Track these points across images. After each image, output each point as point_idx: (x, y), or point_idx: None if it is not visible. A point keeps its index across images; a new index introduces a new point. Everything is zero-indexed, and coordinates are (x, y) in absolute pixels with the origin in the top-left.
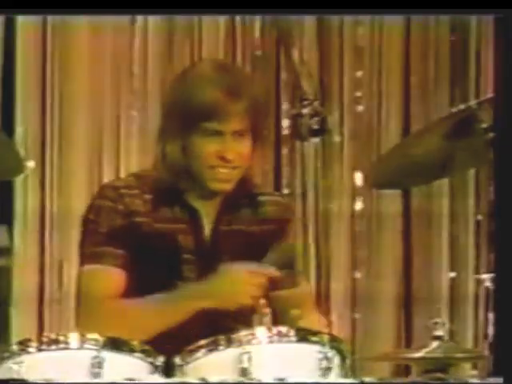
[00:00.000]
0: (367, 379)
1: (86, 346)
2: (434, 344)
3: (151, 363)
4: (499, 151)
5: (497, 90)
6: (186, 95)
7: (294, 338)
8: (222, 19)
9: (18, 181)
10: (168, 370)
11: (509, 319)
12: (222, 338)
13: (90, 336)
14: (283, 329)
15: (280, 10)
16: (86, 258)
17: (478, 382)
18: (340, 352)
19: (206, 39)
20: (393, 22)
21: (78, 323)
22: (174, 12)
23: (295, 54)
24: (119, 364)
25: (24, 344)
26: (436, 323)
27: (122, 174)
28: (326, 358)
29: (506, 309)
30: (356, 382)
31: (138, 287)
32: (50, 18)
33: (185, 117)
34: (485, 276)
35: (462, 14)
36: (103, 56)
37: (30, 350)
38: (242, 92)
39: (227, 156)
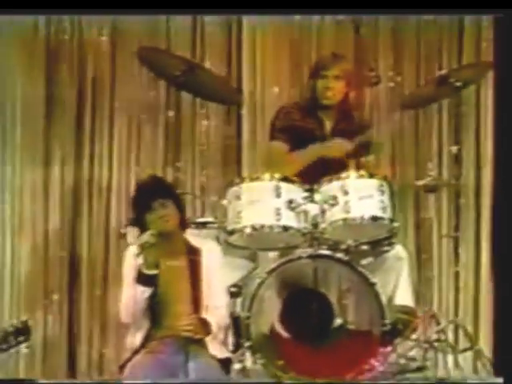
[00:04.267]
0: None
1: (273, 180)
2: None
3: (303, 188)
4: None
5: (497, 90)
6: (317, 64)
7: (367, 177)
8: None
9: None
10: (311, 192)
11: (509, 320)
12: (334, 176)
13: (276, 175)
14: (362, 172)
15: (281, 10)
16: (271, 138)
17: (478, 381)
18: (390, 185)
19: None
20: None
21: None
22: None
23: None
24: (288, 190)
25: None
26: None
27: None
28: (382, 185)
29: (505, 310)
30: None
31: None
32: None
33: (315, 72)
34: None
35: (462, 14)
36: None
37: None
38: (338, 60)
39: (330, 84)
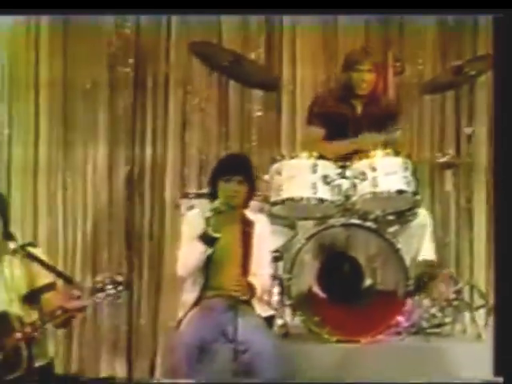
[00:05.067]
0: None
1: (310, 158)
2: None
3: (337, 165)
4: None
5: (497, 90)
6: (351, 58)
7: (393, 155)
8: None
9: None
10: (343, 169)
11: (508, 320)
12: (364, 154)
13: (313, 154)
14: (389, 151)
15: (281, 10)
16: (309, 123)
17: (479, 382)
18: (413, 162)
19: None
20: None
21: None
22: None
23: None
24: (323, 166)
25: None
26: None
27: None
28: (406, 163)
29: (505, 310)
30: None
31: (329, 136)
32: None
33: (348, 65)
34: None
35: (462, 14)
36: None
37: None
38: (369, 55)
39: (364, 77)
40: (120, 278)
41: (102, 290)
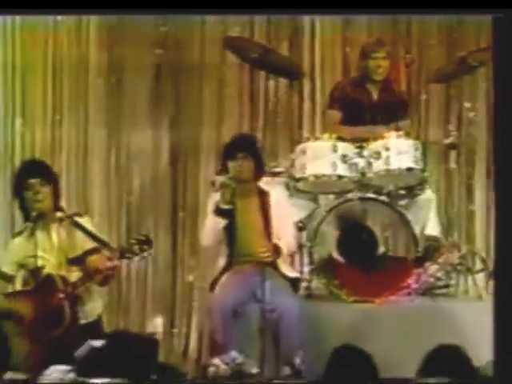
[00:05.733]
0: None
1: (331, 139)
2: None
3: (354, 145)
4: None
5: (496, 90)
6: (367, 48)
7: (404, 136)
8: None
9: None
10: (360, 149)
11: (508, 321)
12: (378, 136)
13: (333, 135)
14: (400, 133)
15: (279, 10)
16: (330, 107)
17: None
18: (422, 143)
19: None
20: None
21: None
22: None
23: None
24: (342, 147)
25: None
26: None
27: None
28: (416, 143)
29: (505, 313)
30: None
31: (345, 122)
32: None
33: (365, 54)
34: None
35: (462, 14)
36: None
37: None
38: (383, 45)
39: (380, 63)
40: (143, 238)
41: (130, 250)
